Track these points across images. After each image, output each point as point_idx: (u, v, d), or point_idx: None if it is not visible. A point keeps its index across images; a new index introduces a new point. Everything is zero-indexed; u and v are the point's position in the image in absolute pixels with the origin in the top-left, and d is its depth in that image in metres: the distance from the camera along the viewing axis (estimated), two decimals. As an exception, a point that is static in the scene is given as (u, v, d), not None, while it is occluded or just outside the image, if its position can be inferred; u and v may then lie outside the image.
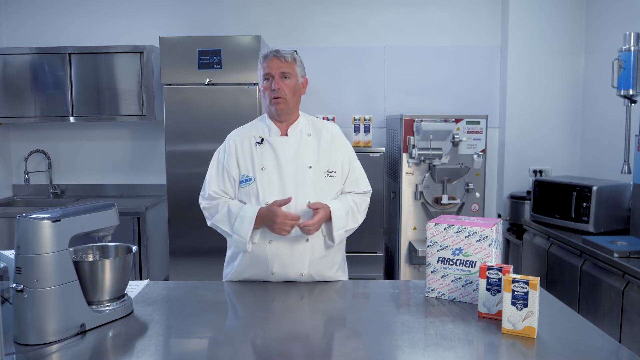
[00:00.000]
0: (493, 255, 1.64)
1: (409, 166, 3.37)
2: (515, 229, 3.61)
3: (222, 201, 1.94)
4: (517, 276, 1.42)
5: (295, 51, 2.00)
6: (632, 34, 2.62)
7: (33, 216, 1.38)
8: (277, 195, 1.87)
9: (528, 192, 3.56)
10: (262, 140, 1.96)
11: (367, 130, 3.66)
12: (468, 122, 3.33)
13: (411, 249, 3.42)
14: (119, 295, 1.56)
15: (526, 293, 1.40)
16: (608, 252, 2.37)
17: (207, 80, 3.28)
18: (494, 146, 3.97)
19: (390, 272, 3.75)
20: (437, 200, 3.34)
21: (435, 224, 1.69)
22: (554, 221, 3.01)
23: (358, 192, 2.00)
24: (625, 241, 2.48)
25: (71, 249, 1.49)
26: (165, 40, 3.29)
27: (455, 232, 1.66)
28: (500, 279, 1.50)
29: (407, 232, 3.44)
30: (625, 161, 2.71)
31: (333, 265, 1.97)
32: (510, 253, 3.77)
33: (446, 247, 1.67)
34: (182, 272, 3.37)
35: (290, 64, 1.93)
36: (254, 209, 1.85)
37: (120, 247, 1.65)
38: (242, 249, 1.89)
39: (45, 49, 3.71)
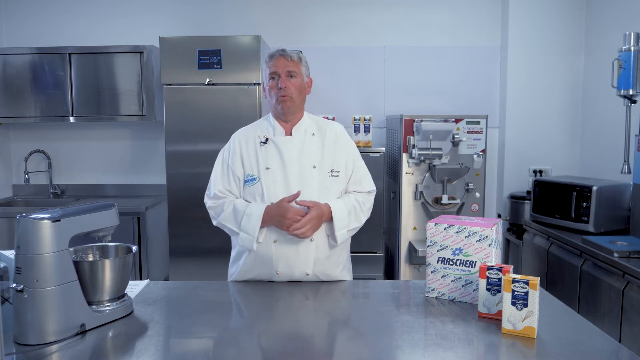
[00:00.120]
0: (493, 255, 1.64)
1: (409, 166, 3.37)
2: (515, 229, 3.61)
3: (227, 200, 1.95)
4: (517, 276, 1.42)
5: (301, 51, 2.01)
6: (632, 34, 2.62)
7: (33, 216, 1.38)
8: (281, 194, 1.88)
9: (528, 192, 3.56)
10: (267, 139, 1.97)
11: (367, 130, 3.66)
12: (468, 122, 3.33)
13: (411, 249, 3.42)
14: (119, 295, 1.56)
15: (526, 293, 1.40)
16: (608, 252, 2.37)
17: (207, 80, 3.28)
18: (494, 146, 3.97)
19: (390, 272, 3.75)
20: (437, 200, 3.34)
21: (435, 224, 1.69)
22: (554, 221, 3.02)
23: (362, 192, 2.00)
24: (625, 241, 2.48)
25: (71, 249, 1.49)
26: (165, 40, 3.29)
27: (455, 232, 1.66)
28: (500, 279, 1.50)
29: (407, 232, 3.44)
30: (625, 161, 2.71)
31: (338, 265, 1.97)
32: (510, 253, 3.77)
33: (446, 247, 1.67)
34: (182, 272, 3.37)
35: (296, 63, 1.94)
36: (261, 207, 1.86)
37: (120, 247, 1.65)
38: (248, 248, 1.89)
39: (45, 49, 3.71)
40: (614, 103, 3.06)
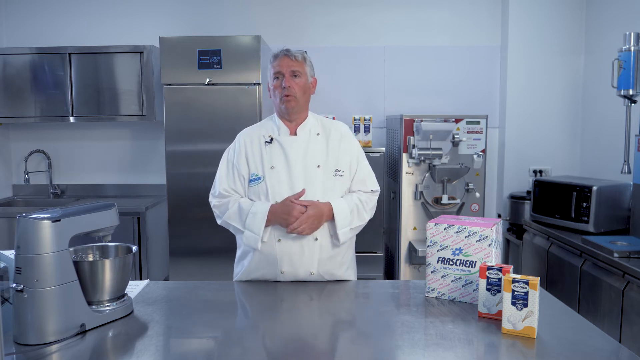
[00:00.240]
0: (493, 255, 1.64)
1: (409, 166, 3.37)
2: (515, 229, 3.61)
3: (232, 199, 1.95)
4: (517, 276, 1.42)
5: (305, 51, 2.02)
6: (632, 34, 2.62)
7: (33, 216, 1.38)
8: (286, 194, 1.89)
9: (528, 192, 3.56)
10: (272, 139, 1.98)
11: (367, 130, 3.66)
12: (468, 122, 3.33)
13: (411, 249, 3.42)
14: (119, 295, 1.56)
15: (526, 293, 1.40)
16: (608, 252, 2.37)
17: (207, 80, 3.28)
18: (494, 146, 3.97)
19: (390, 272, 3.75)
20: (437, 200, 3.34)
21: (435, 224, 1.69)
22: (554, 221, 3.01)
23: (365, 191, 2.00)
24: (625, 241, 2.48)
25: (71, 249, 1.49)
26: (165, 40, 3.29)
27: (455, 232, 1.66)
28: (500, 279, 1.50)
29: (407, 232, 3.44)
30: (625, 161, 2.71)
31: (342, 265, 1.98)
32: (510, 253, 3.77)
33: (446, 247, 1.67)
34: (182, 272, 3.37)
35: (300, 63, 1.95)
36: (266, 205, 1.87)
37: (120, 247, 1.65)
38: (252, 246, 1.89)
39: (45, 49, 3.71)
40: (614, 103, 3.06)
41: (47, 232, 1.36)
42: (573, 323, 1.54)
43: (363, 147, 3.59)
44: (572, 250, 2.71)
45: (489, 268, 1.52)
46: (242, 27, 3.91)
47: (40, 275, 1.35)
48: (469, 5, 3.98)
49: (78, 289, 1.43)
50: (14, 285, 1.36)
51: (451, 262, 1.67)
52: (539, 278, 1.43)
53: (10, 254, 1.49)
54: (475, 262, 1.63)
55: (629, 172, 2.69)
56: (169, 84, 3.32)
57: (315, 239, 1.90)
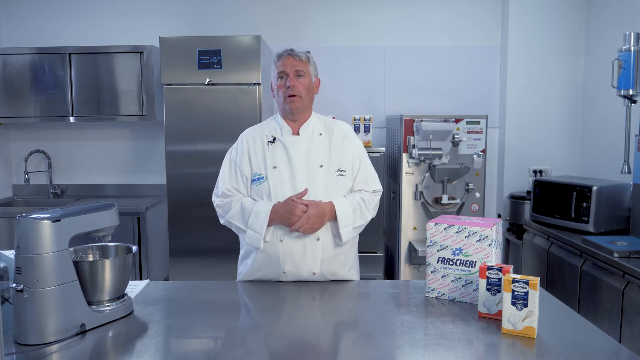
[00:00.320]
0: (493, 255, 1.64)
1: (409, 166, 3.37)
2: (515, 229, 3.61)
3: (235, 198, 1.96)
4: (517, 276, 1.42)
5: (309, 52, 2.03)
6: (632, 34, 2.62)
7: (33, 216, 1.38)
8: (288, 193, 1.89)
9: (528, 192, 3.56)
10: (274, 139, 1.98)
11: (367, 130, 3.66)
12: (468, 122, 3.33)
13: (411, 249, 3.42)
14: (119, 295, 1.56)
15: (526, 293, 1.40)
16: (608, 252, 2.37)
17: (207, 80, 3.28)
18: (494, 146, 3.97)
19: (390, 272, 3.75)
20: (437, 200, 3.34)
21: (435, 224, 1.69)
22: (554, 221, 3.01)
23: (368, 191, 2.00)
24: (625, 241, 2.48)
25: (71, 249, 1.49)
26: (165, 40, 3.29)
27: (455, 232, 1.66)
28: (500, 279, 1.50)
29: (407, 232, 3.44)
30: (625, 161, 2.71)
31: (345, 264, 1.98)
32: (510, 253, 3.77)
33: (446, 247, 1.67)
34: (182, 272, 3.37)
35: (304, 62, 1.96)
36: (268, 205, 1.88)
37: (120, 247, 1.65)
38: (255, 246, 1.90)
39: (45, 49, 3.71)
40: (614, 103, 3.06)
41: (47, 232, 1.36)
42: (573, 323, 1.54)
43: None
44: (572, 250, 2.71)
45: (489, 268, 1.52)
46: (242, 27, 3.91)
47: (40, 275, 1.35)
48: (469, 5, 3.98)
49: (78, 289, 1.43)
50: (14, 285, 1.36)
51: (451, 262, 1.67)
52: (539, 278, 1.43)
53: (10, 254, 1.49)
54: (475, 262, 1.63)
55: (629, 172, 2.69)
56: (169, 84, 3.32)
57: (318, 239, 1.90)
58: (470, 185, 3.34)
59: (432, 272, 1.70)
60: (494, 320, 1.51)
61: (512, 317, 1.41)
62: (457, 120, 3.31)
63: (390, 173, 3.74)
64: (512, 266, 1.53)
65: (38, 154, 4.06)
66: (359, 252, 2.11)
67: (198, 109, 3.32)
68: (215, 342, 1.44)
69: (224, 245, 3.27)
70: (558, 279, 2.83)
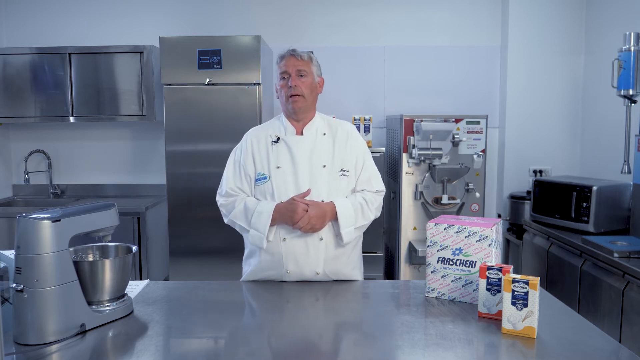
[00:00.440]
0: (493, 255, 1.64)
1: (409, 166, 3.37)
2: (515, 229, 3.61)
3: (239, 198, 1.97)
4: (517, 276, 1.42)
5: (312, 52, 2.03)
6: (632, 34, 2.62)
7: (33, 216, 1.38)
8: (291, 193, 1.90)
9: (528, 192, 3.56)
10: (278, 139, 1.98)
11: (367, 130, 3.66)
12: (468, 122, 3.33)
13: (411, 249, 3.42)
14: (119, 295, 1.56)
15: (526, 293, 1.40)
16: (608, 252, 2.37)
17: (207, 80, 3.28)
18: (494, 146, 3.97)
19: (390, 272, 3.75)
20: (437, 200, 3.34)
21: (435, 224, 1.69)
22: (554, 221, 3.01)
23: (370, 191, 2.00)
24: (625, 241, 2.48)
25: (71, 249, 1.49)
26: (165, 40, 3.29)
27: (455, 232, 1.66)
28: (500, 279, 1.50)
29: (407, 232, 3.44)
30: (625, 161, 2.71)
31: (348, 264, 1.98)
32: (510, 253, 3.77)
33: (446, 247, 1.67)
34: (182, 272, 3.37)
35: (306, 62, 1.96)
36: (271, 204, 1.88)
37: (120, 247, 1.65)
38: (258, 245, 1.90)
39: (45, 49, 3.71)
40: (614, 103, 3.06)
41: (47, 232, 1.36)
42: (573, 323, 1.54)
43: (363, 147, 3.61)
44: (572, 250, 2.71)
45: (489, 268, 1.52)
46: (242, 27, 3.91)
47: (40, 275, 1.35)
48: (469, 5, 3.98)
49: (78, 289, 1.43)
50: (14, 285, 1.36)
51: (451, 262, 1.67)
52: (539, 278, 1.43)
53: (10, 254, 1.49)
54: (475, 262, 1.63)
55: (629, 172, 2.69)
56: (169, 84, 3.32)
57: (321, 239, 1.90)
58: (470, 185, 3.34)
59: (432, 272, 1.70)
60: (494, 320, 1.51)
61: (512, 317, 1.41)
62: (457, 120, 3.31)
63: (390, 173, 3.74)
64: (512, 266, 1.53)
65: (38, 154, 4.06)
66: (359, 252, 2.11)
67: (198, 109, 3.32)
68: (215, 342, 1.44)
69: (224, 245, 3.27)
70: (558, 279, 2.83)
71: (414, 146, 3.30)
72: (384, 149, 3.55)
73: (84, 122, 3.97)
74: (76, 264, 1.44)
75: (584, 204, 2.82)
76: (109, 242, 1.61)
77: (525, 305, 1.39)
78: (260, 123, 3.19)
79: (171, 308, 1.67)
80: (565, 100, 3.86)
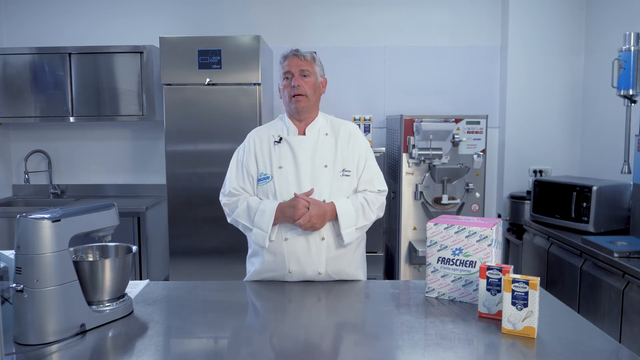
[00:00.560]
0: (493, 255, 1.64)
1: (409, 166, 3.37)
2: (515, 229, 3.61)
3: (242, 197, 1.97)
4: (517, 276, 1.42)
5: (315, 52, 2.04)
6: (632, 34, 2.62)
7: (33, 216, 1.38)
8: (293, 193, 1.89)
9: (528, 192, 3.56)
10: (281, 139, 1.99)
11: (367, 130, 3.66)
12: (468, 122, 3.33)
13: (411, 249, 3.42)
14: (119, 295, 1.56)
15: (526, 293, 1.40)
16: (608, 252, 2.37)
17: (207, 80, 3.28)
18: (494, 146, 3.97)
19: (390, 272, 3.75)
20: (437, 200, 3.34)
21: (435, 224, 1.69)
22: (554, 221, 3.01)
23: (372, 191, 2.00)
24: (625, 241, 2.48)
25: (71, 249, 1.49)
26: (165, 40, 3.29)
27: (455, 232, 1.66)
28: (500, 279, 1.50)
29: (407, 232, 3.44)
30: (625, 161, 2.71)
31: (351, 264, 1.98)
32: (510, 253, 3.77)
33: (446, 247, 1.67)
34: (182, 272, 3.37)
35: (309, 62, 1.97)
36: (274, 204, 1.89)
37: (120, 247, 1.65)
38: (261, 244, 1.91)
39: (45, 49, 3.71)
40: (614, 103, 3.06)
41: (47, 232, 1.36)
42: (573, 323, 1.54)
43: (363, 147, 3.61)
44: (572, 250, 2.71)
45: (489, 268, 1.52)
46: (242, 27, 3.91)
47: (40, 275, 1.35)
48: (469, 5, 3.98)
49: (78, 289, 1.43)
50: (14, 285, 1.36)
51: (451, 262, 1.67)
52: (539, 278, 1.43)
53: (10, 254, 1.49)
54: (475, 262, 1.63)
55: (629, 172, 2.69)
56: (169, 84, 3.32)
57: (323, 239, 1.90)
58: (470, 185, 3.34)
59: (432, 272, 1.70)
60: (494, 320, 1.51)
61: (512, 317, 1.41)
62: (457, 120, 3.31)
63: (390, 173, 3.74)
64: (512, 266, 1.53)
65: (38, 154, 4.05)
66: (359, 252, 2.11)
67: (198, 109, 3.32)
68: (215, 342, 1.44)
69: (224, 245, 3.27)
70: (558, 279, 2.83)
71: (414, 146, 3.30)
72: (384, 149, 3.55)
73: (84, 122, 3.97)
74: (76, 264, 1.44)
75: (584, 204, 2.82)
76: (109, 242, 1.61)
77: (525, 305, 1.39)
78: (260, 123, 3.21)
79: (171, 308, 1.67)
80: (565, 100, 3.86)
